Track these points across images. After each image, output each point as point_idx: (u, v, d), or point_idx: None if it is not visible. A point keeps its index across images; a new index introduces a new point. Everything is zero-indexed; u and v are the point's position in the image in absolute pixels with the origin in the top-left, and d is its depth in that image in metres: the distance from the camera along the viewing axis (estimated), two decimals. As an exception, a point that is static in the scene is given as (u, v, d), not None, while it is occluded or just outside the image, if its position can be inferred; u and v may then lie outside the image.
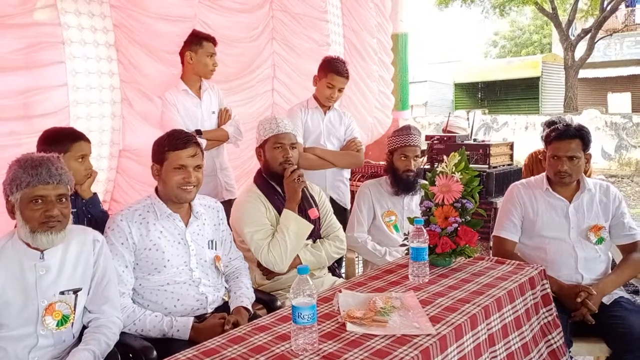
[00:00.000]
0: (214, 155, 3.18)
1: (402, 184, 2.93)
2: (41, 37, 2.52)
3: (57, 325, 1.76)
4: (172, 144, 2.09)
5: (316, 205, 2.58)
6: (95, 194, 2.33)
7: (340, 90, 3.31)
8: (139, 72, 2.98)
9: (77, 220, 2.18)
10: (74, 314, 1.80)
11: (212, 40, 3.09)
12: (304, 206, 2.50)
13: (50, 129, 2.23)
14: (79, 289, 1.82)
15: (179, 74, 3.10)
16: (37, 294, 1.73)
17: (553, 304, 2.16)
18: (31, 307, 1.73)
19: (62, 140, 2.16)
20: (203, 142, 2.95)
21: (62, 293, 1.78)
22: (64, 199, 1.73)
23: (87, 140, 2.26)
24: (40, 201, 1.69)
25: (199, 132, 3.02)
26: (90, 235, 1.90)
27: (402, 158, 2.92)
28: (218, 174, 3.22)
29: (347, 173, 3.53)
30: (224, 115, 3.22)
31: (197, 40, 3.06)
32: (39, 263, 1.74)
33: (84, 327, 1.88)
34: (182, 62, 3.09)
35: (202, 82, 3.16)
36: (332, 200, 3.16)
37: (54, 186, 1.69)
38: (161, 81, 3.06)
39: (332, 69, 3.24)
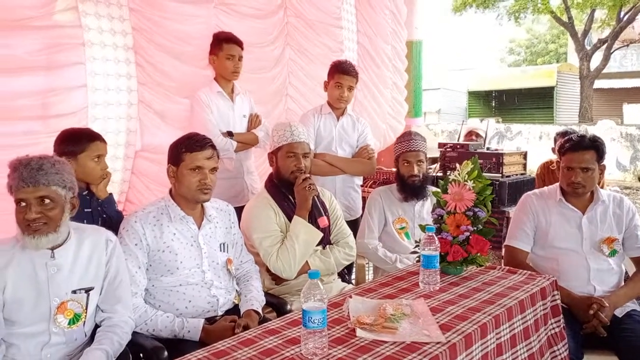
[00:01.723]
0: (242, 158, 3.21)
1: (409, 189, 2.94)
2: (62, 39, 2.56)
3: (69, 323, 1.78)
4: (189, 146, 2.12)
5: (326, 212, 2.59)
6: (110, 194, 2.36)
7: (349, 90, 3.29)
8: (157, 74, 3.02)
9: (92, 220, 2.21)
10: (86, 313, 1.82)
11: (233, 41, 3.08)
12: (314, 214, 2.50)
13: (68, 129, 2.26)
14: (91, 288, 1.84)
15: (198, 74, 3.15)
16: (49, 292, 1.75)
17: (561, 316, 2.15)
18: (43, 305, 1.74)
19: (79, 140, 2.18)
20: (234, 144, 3.02)
21: (74, 292, 1.80)
22: (47, 201, 1.69)
23: (103, 141, 2.28)
24: (23, 204, 1.68)
25: (230, 133, 3.06)
26: (103, 235, 1.92)
27: (405, 164, 2.93)
28: (245, 177, 3.25)
29: (358, 180, 3.51)
30: (254, 120, 3.25)
31: (217, 43, 3.08)
32: (50, 262, 1.76)
33: (97, 326, 1.90)
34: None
35: (234, 85, 3.19)
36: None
37: (32, 189, 1.66)
38: (180, 81, 3.11)
39: (338, 69, 3.25)
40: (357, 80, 3.33)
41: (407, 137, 2.96)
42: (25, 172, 1.66)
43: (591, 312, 2.27)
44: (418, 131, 3.13)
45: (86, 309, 1.82)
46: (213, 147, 2.18)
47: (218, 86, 3.11)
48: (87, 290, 1.83)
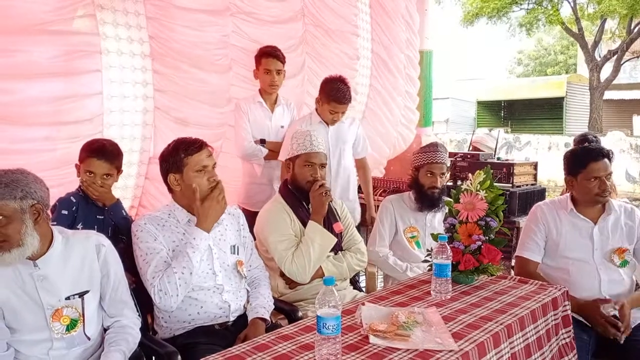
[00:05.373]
0: (274, 167, 3.36)
1: (427, 200, 2.93)
2: (80, 46, 2.60)
3: (67, 329, 1.76)
4: (187, 150, 2.10)
5: (339, 219, 2.61)
6: (117, 200, 2.38)
7: (343, 113, 3.37)
8: (174, 80, 3.07)
9: (103, 226, 2.24)
10: (83, 317, 1.80)
11: (272, 56, 3.19)
12: (329, 219, 2.53)
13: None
14: (86, 292, 1.81)
15: (214, 79, 3.28)
16: (41, 301, 1.73)
17: (572, 326, 2.15)
18: (38, 314, 1.73)
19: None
20: (264, 151, 3.21)
21: (67, 298, 1.77)
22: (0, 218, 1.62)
23: (98, 158, 2.28)
24: None
25: (263, 141, 3.23)
26: (92, 239, 1.88)
27: (429, 175, 2.92)
28: (274, 184, 3.37)
29: (353, 192, 3.57)
30: None
31: (258, 57, 3.23)
32: (35, 272, 1.72)
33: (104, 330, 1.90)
34: None
35: (278, 97, 3.35)
36: None
37: None
38: (197, 87, 3.18)
39: (334, 98, 3.27)
40: (350, 102, 3.39)
41: (432, 148, 2.96)
42: None
43: (610, 312, 2.27)
44: (434, 141, 3.15)
45: (83, 313, 1.80)
46: (207, 145, 2.18)
47: (260, 96, 3.30)
48: (81, 295, 1.80)
